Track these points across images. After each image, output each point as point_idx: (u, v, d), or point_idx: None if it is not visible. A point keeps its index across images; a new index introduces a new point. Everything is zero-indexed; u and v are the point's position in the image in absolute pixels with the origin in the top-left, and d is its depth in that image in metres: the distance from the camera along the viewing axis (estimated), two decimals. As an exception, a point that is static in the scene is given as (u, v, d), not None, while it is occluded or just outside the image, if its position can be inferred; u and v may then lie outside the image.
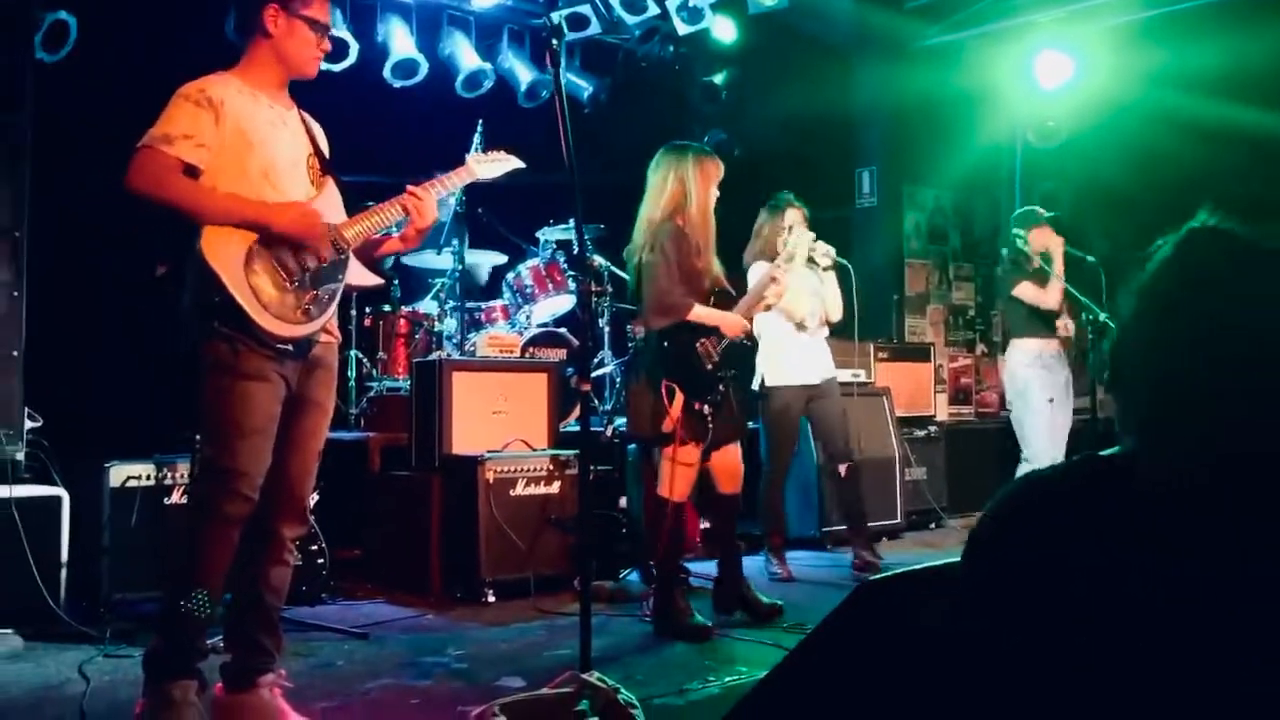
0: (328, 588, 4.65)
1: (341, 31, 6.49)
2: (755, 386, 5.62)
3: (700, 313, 4.51)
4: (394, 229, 3.45)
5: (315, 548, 4.53)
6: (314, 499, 4.53)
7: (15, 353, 4.70)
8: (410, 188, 3.39)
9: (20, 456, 4.64)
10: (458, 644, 4.35)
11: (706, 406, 4.49)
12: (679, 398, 4.44)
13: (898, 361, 7.35)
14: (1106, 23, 6.97)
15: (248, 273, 3.01)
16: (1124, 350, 1.34)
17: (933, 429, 7.37)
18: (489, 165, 3.64)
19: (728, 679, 3.86)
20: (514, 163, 3.74)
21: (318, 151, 3.33)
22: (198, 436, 3.38)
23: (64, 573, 4.39)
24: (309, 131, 3.33)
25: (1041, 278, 6.09)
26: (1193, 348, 1.26)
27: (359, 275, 3.32)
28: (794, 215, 5.58)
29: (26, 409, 4.75)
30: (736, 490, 4.82)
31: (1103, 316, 5.68)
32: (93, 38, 5.60)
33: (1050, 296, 6.11)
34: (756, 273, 5.40)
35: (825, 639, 1.50)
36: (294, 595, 4.42)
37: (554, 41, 3.37)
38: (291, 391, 3.14)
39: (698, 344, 4.52)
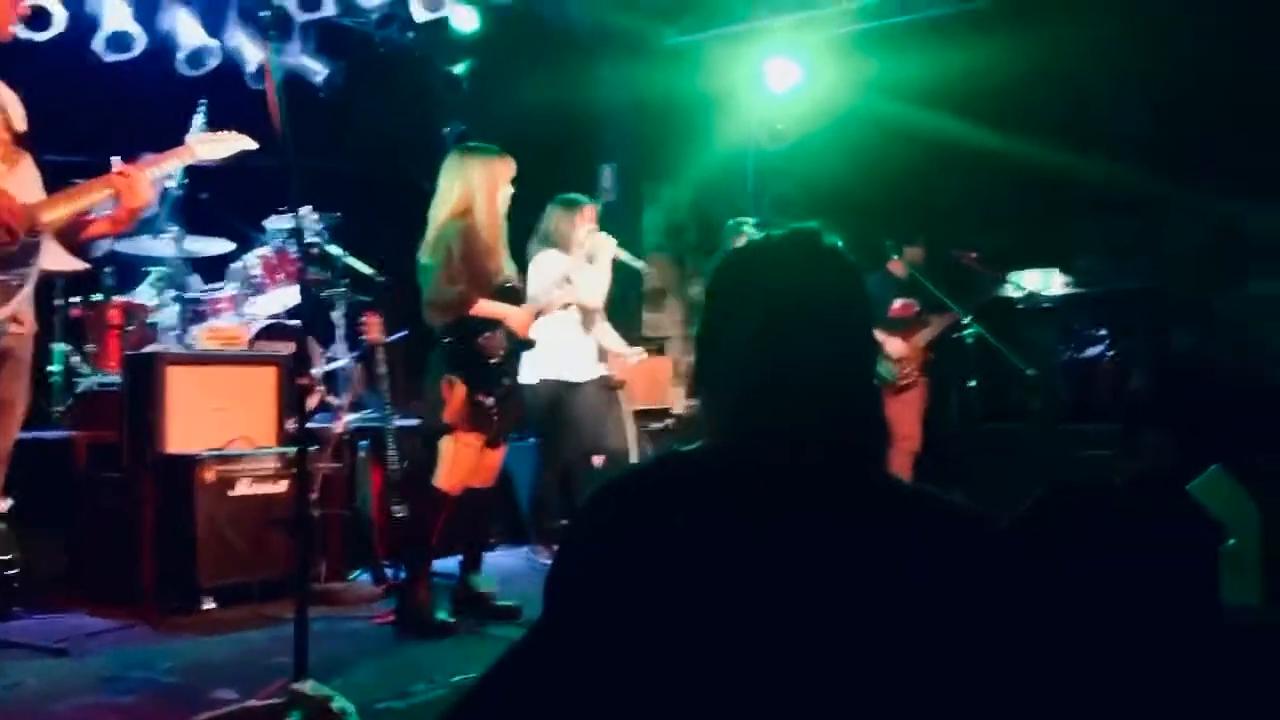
0: (19, 600, 4.29)
1: (124, 22, 6.09)
2: (530, 379, 5.62)
3: (486, 307, 4.58)
4: (103, 211, 3.21)
5: (5, 558, 4.17)
6: (5, 503, 4.20)
7: None
8: (120, 165, 3.16)
9: None
10: (169, 656, 4.11)
11: (490, 399, 4.54)
12: (459, 389, 4.50)
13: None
14: (830, 32, 7.30)
15: (-85, 259, 2.73)
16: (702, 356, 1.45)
17: (669, 421, 7.54)
18: (213, 146, 3.43)
19: (455, 678, 3.81)
20: (243, 143, 3.55)
21: (10, 124, 3.05)
22: None
23: None
24: (2, 100, 3.05)
25: None
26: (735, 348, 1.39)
27: (58, 259, 3.07)
28: (591, 215, 5.89)
29: None
30: (490, 484, 4.87)
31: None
32: None
33: None
34: (546, 264, 5.63)
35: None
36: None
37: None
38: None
39: (480, 338, 4.57)
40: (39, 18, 5.69)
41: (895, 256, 6.70)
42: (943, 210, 7.32)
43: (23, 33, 5.64)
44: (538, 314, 4.97)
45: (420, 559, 4.58)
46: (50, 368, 5.76)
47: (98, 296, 5.96)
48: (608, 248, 5.75)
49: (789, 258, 1.45)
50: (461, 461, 4.56)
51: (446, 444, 4.56)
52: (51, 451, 5.22)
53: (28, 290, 2.97)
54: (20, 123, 3.10)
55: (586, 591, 1.40)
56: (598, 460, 6.05)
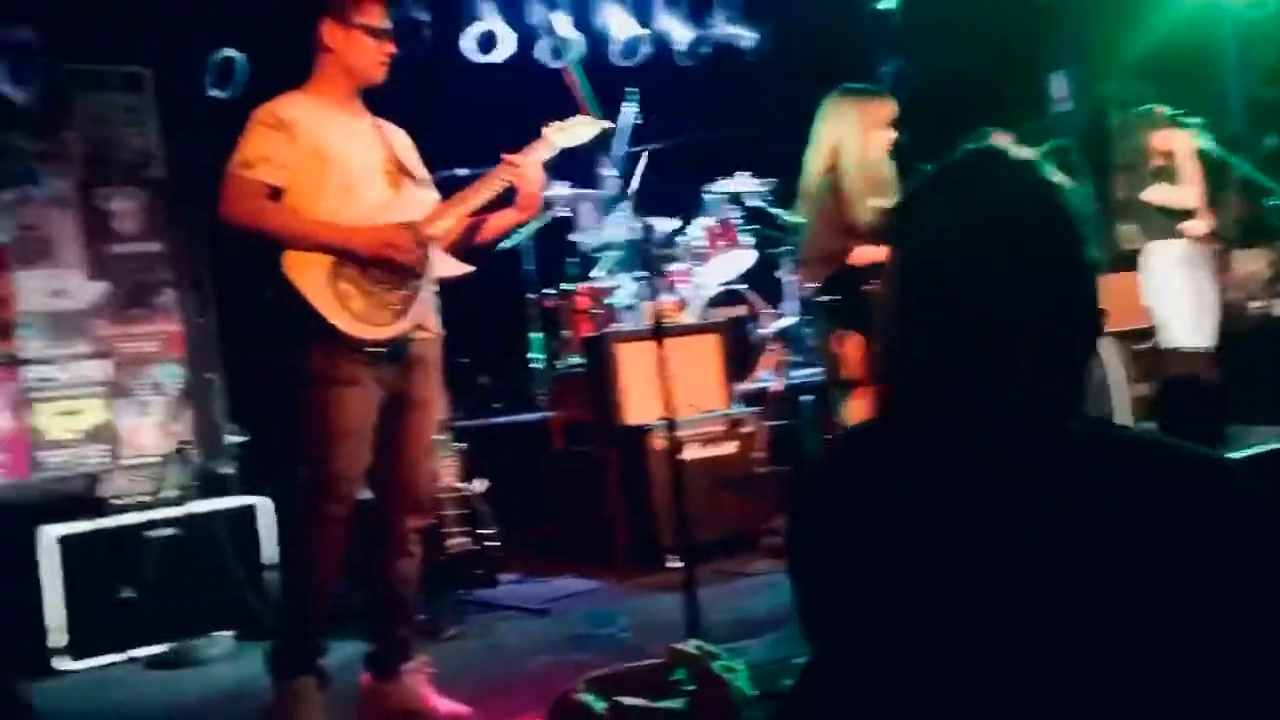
0: (502, 568, 4.81)
1: (494, 23, 6.58)
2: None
3: (865, 254, 4.36)
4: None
5: (485, 532, 4.69)
6: (482, 485, 4.71)
7: (211, 375, 5.12)
8: (506, 156, 3.40)
9: (228, 471, 5.06)
10: (628, 614, 4.40)
11: None
12: (852, 343, 4.35)
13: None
14: None
15: (333, 282, 3.13)
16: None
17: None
18: (569, 132, 3.58)
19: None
20: (598, 125, 3.66)
21: (394, 155, 3.40)
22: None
23: (269, 575, 4.73)
24: (384, 137, 3.41)
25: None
26: None
27: (446, 266, 3.38)
28: None
29: (231, 425, 5.17)
30: None
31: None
32: (261, 74, 5.92)
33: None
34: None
35: None
36: (470, 579, 4.63)
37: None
38: (392, 392, 3.25)
39: (863, 285, 4.36)
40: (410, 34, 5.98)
41: None
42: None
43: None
44: None
45: None
46: (530, 355, 6.38)
47: (566, 286, 6.49)
48: None
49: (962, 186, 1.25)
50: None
51: (851, 403, 4.39)
52: (534, 432, 5.78)
53: (425, 298, 3.28)
54: (410, 159, 3.42)
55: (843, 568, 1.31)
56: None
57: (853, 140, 4.40)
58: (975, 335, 1.17)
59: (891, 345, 1.26)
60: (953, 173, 1.25)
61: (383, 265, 3.18)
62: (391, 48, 3.33)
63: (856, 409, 4.41)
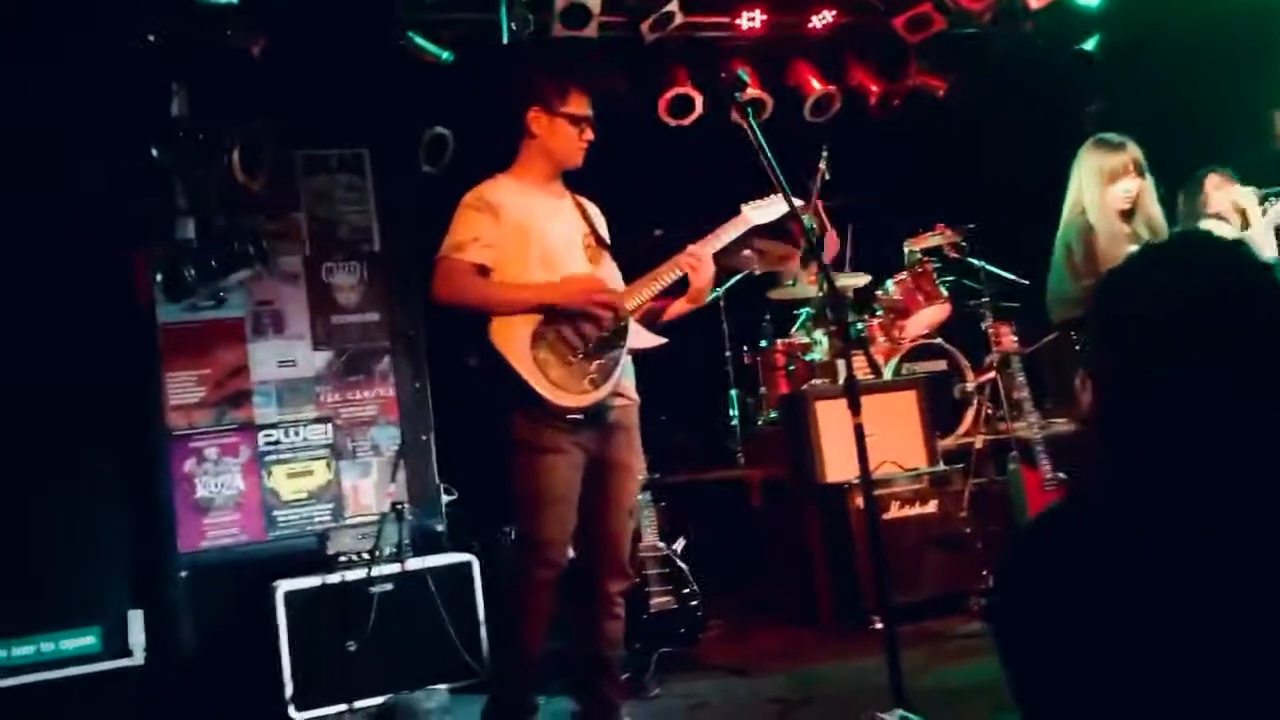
0: (704, 626, 4.84)
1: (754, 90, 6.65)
2: None
3: None
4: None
5: (686, 590, 4.74)
6: (682, 543, 4.78)
7: (425, 437, 5.38)
8: (690, 247, 3.52)
9: (440, 528, 5.29)
10: (831, 677, 4.37)
11: None
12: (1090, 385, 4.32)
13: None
14: None
15: (534, 352, 3.27)
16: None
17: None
18: (764, 210, 3.68)
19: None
20: (792, 202, 3.71)
21: (593, 231, 3.56)
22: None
23: (482, 630, 4.90)
24: (584, 214, 3.57)
25: None
26: None
27: (643, 339, 3.49)
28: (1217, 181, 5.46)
29: (442, 485, 5.41)
30: None
31: None
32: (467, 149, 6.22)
33: None
34: None
35: None
36: (673, 637, 4.68)
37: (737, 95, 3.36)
38: (593, 457, 3.36)
39: None
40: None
41: None
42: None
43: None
44: None
45: None
46: (730, 412, 6.44)
47: (763, 343, 6.54)
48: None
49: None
50: None
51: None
52: (732, 489, 5.82)
53: (623, 368, 3.40)
54: (605, 233, 3.58)
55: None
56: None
57: (1091, 190, 4.44)
58: (1190, 399, 1.18)
59: (1108, 411, 1.28)
60: (1164, 248, 1.28)
61: (586, 317, 3.31)
62: (591, 135, 3.49)
63: None
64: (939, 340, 6.41)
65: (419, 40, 5.86)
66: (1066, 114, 7.58)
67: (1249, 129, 7.15)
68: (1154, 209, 4.46)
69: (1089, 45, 7.41)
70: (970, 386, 6.26)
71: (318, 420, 5.39)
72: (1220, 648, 1.15)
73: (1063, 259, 4.53)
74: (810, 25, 6.84)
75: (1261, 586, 1.14)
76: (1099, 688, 1.23)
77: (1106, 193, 4.42)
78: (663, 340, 3.51)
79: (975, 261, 6.29)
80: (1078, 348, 4.46)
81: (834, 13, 6.78)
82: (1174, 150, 6.73)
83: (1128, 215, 4.45)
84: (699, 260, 3.45)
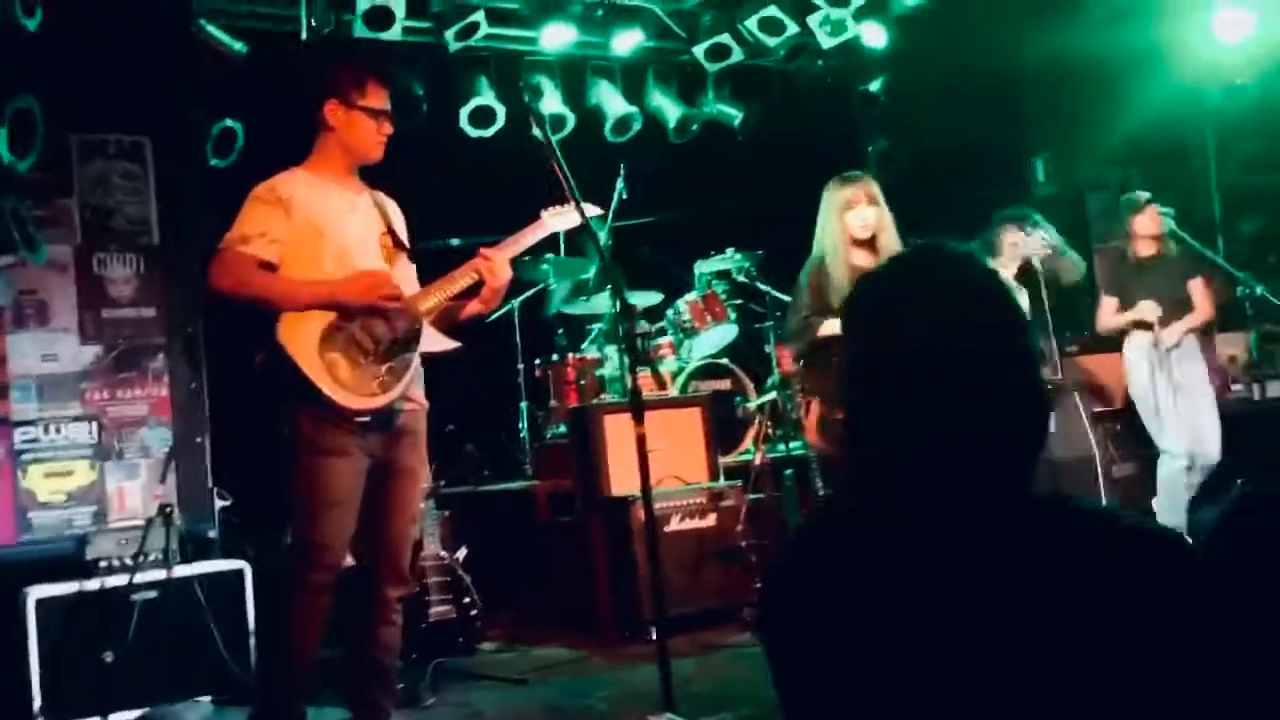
0: (482, 636, 4.82)
1: (556, 106, 6.67)
2: None
3: (829, 327, 4.54)
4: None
5: (466, 600, 4.71)
6: (464, 552, 4.76)
7: (199, 439, 5.17)
8: (482, 250, 3.52)
9: (212, 534, 5.08)
10: (606, 685, 4.43)
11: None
12: (813, 408, 4.67)
13: (1089, 354, 6.90)
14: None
15: (324, 351, 3.20)
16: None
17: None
18: (563, 217, 3.72)
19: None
20: (591, 210, 3.80)
21: (390, 230, 3.51)
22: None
23: (251, 640, 4.73)
24: (382, 211, 3.52)
25: None
26: None
27: (435, 342, 3.46)
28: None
29: (215, 489, 5.21)
30: None
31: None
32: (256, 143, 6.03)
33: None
34: None
35: None
36: (451, 647, 4.64)
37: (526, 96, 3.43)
38: (378, 461, 3.31)
39: (834, 357, 4.54)
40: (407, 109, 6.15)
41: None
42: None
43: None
44: None
45: None
46: (520, 424, 6.45)
47: (554, 357, 6.59)
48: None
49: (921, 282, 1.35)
50: None
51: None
52: (519, 500, 5.83)
53: (414, 372, 3.37)
54: (403, 232, 3.54)
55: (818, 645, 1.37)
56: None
57: (828, 223, 4.60)
58: (933, 403, 1.25)
59: (854, 417, 1.35)
60: (903, 261, 1.36)
61: (377, 316, 3.27)
62: (390, 129, 3.45)
63: None
64: (725, 360, 6.61)
65: (211, 29, 5.67)
66: (853, 149, 7.98)
67: (1014, 174, 7.69)
68: (893, 240, 4.59)
69: (874, 86, 7.81)
70: (752, 405, 6.49)
71: (81, 418, 5.10)
72: (948, 644, 1.23)
73: (793, 295, 4.79)
74: (615, 46, 6.96)
75: (991, 608, 1.21)
76: (846, 683, 1.31)
77: (841, 221, 4.57)
78: (457, 344, 3.49)
79: (762, 286, 6.51)
80: (803, 375, 4.77)
81: (638, 36, 6.93)
82: (944, 189, 7.20)
83: (869, 245, 4.58)
84: (494, 263, 3.46)
